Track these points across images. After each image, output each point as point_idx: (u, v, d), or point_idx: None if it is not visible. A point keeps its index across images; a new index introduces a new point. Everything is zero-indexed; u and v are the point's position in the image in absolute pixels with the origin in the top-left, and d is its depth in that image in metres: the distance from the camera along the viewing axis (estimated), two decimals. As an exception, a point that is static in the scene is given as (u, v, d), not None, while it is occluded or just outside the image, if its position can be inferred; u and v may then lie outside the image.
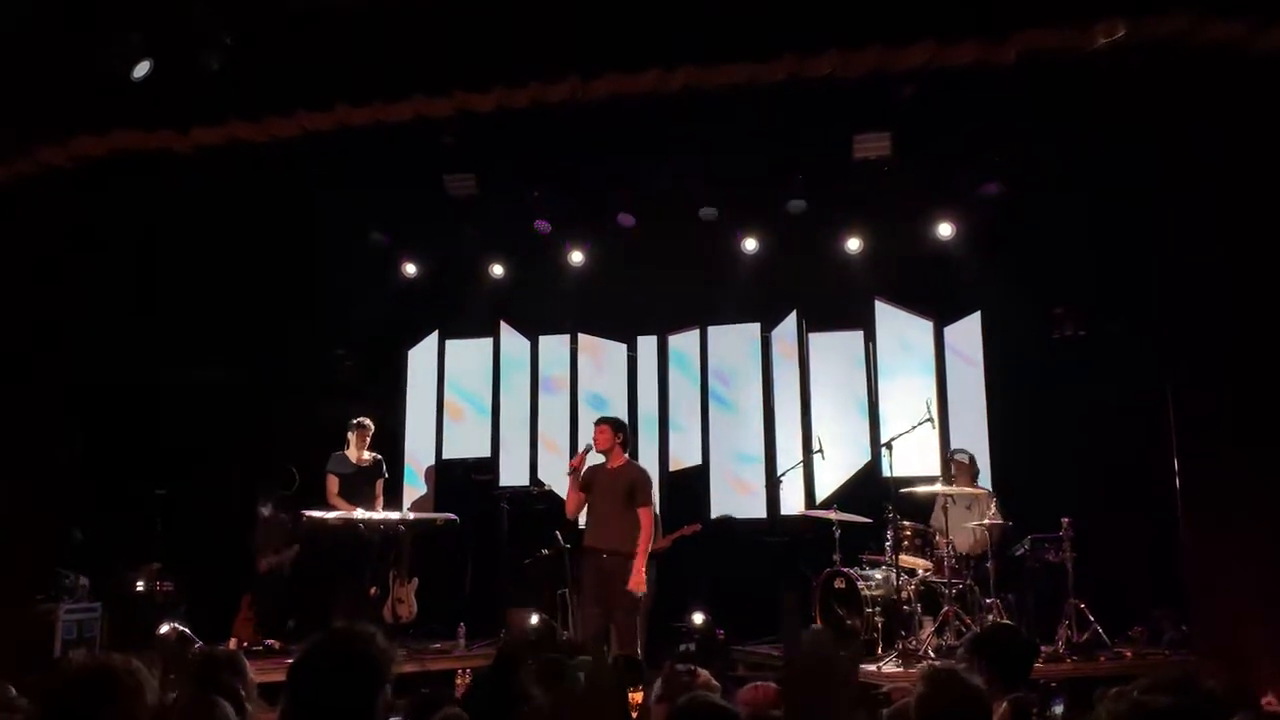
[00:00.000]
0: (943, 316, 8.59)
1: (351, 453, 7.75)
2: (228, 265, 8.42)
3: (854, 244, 8.49)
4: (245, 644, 7.40)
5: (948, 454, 7.91)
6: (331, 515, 7.39)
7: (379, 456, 7.93)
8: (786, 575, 7.55)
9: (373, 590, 7.54)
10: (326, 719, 2.20)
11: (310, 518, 7.33)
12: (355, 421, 7.81)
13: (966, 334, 8.53)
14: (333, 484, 7.64)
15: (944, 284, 8.46)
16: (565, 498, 6.40)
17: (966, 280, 8.29)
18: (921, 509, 7.47)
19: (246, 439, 8.65)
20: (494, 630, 7.85)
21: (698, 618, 7.59)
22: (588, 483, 6.17)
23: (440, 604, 8.21)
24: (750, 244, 8.61)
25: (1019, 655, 3.31)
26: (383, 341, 9.44)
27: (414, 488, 9.37)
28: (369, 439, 7.81)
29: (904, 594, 6.87)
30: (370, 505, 7.67)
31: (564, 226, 8.84)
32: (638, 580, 5.91)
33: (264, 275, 8.66)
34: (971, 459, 7.59)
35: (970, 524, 7.14)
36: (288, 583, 8.11)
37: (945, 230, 8.27)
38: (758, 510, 8.62)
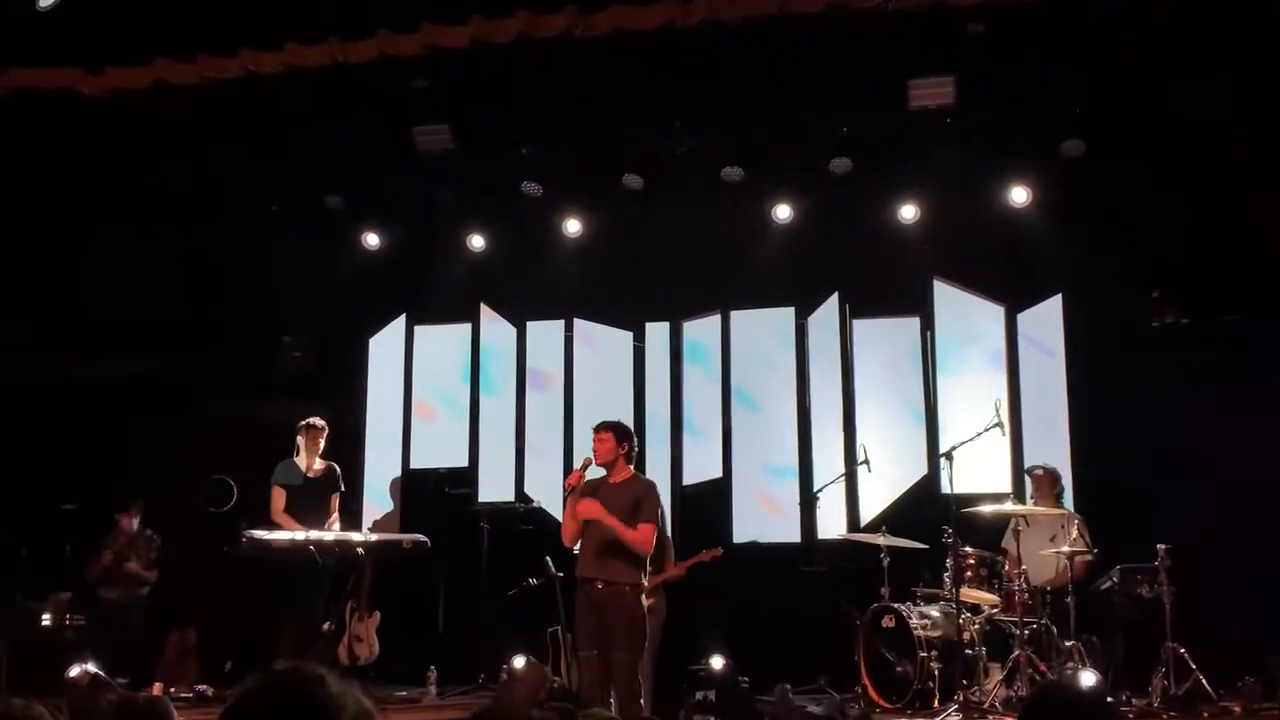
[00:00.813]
0: (1016, 300, 8.57)
1: (301, 461, 7.76)
2: (149, 236, 8.39)
3: (909, 212, 8.46)
4: (172, 690, 7.40)
5: (1022, 467, 7.88)
6: (277, 536, 7.37)
7: (334, 465, 7.93)
8: (824, 612, 7.55)
9: (326, 626, 7.48)
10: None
11: (251, 539, 7.30)
12: (305, 423, 7.80)
13: (1045, 321, 8.49)
14: (278, 498, 7.65)
15: (1018, 261, 8.42)
16: (561, 521, 6.35)
17: (1045, 256, 8.24)
18: (988, 533, 7.44)
19: (174, 445, 8.65)
20: (470, 675, 7.85)
21: (717, 662, 7.54)
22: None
23: (407, 643, 8.21)
24: (783, 211, 8.58)
25: None
26: (339, 328, 9.44)
27: (376, 503, 9.38)
28: (322, 444, 7.81)
29: (966, 635, 6.85)
30: (323, 524, 7.66)
31: (558, 189, 8.79)
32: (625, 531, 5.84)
33: (194, 248, 8.61)
34: (1051, 474, 7.57)
35: (1048, 551, 7.11)
36: (139, 618, 8.11)
37: (1019, 196, 8.23)
38: (790, 533, 8.62)
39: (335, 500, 7.88)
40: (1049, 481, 7.53)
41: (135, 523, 8.29)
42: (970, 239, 8.50)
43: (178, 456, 8.70)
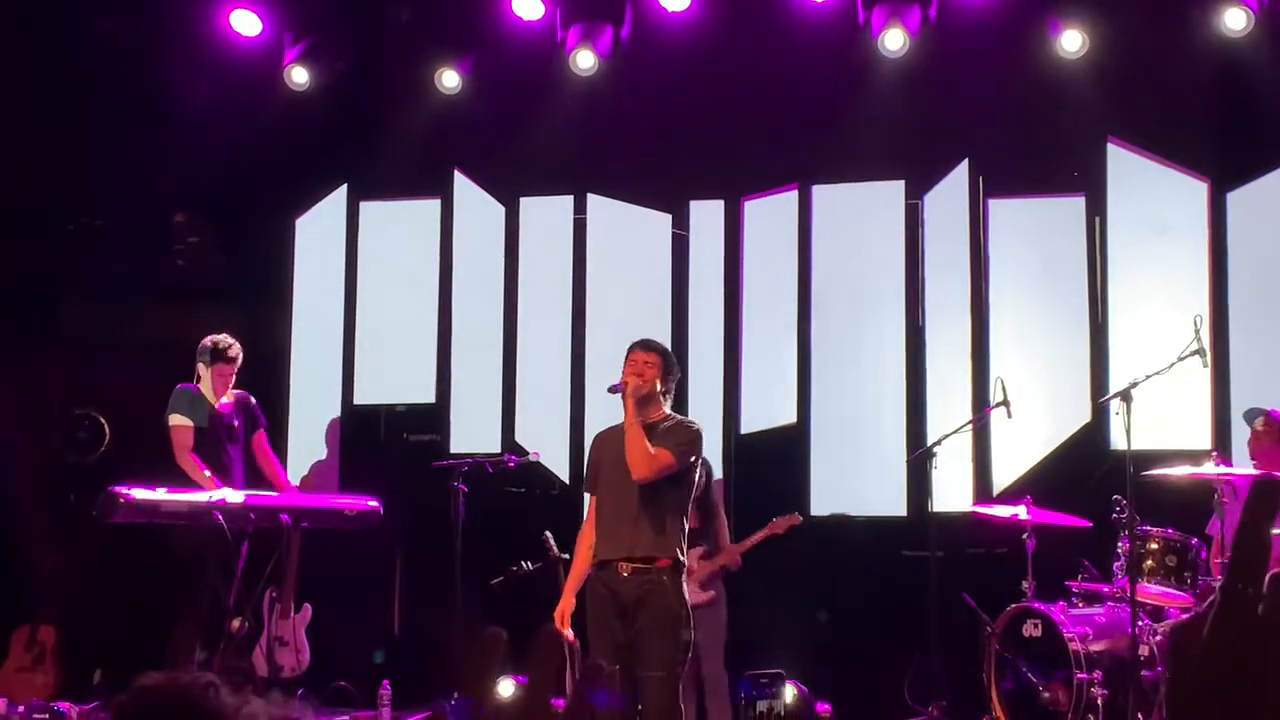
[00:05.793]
0: (1227, 172, 8.53)
1: (206, 388, 7.82)
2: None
3: (1073, 42, 8.46)
4: (20, 708, 7.54)
5: (1228, 410, 7.93)
6: (166, 495, 7.10)
7: (247, 395, 7.99)
8: (940, 614, 7.56)
9: (235, 624, 7.48)
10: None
11: (130, 500, 7.04)
12: (210, 343, 7.84)
13: (1268, 202, 8.46)
14: (184, 434, 7.68)
15: (1230, 116, 8.41)
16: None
17: (1272, 110, 8.23)
18: (1181, 506, 7.47)
19: (18, 369, 8.72)
20: (438, 694, 7.90)
21: (788, 694, 7.64)
22: (598, 456, 6.22)
23: (350, 648, 8.34)
24: (894, 39, 8.54)
25: None
26: (253, 204, 9.53)
27: (305, 453, 9.50)
28: (235, 369, 7.89)
29: (1144, 650, 6.87)
30: (238, 474, 7.78)
31: (565, 3, 8.79)
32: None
33: (33, 83, 8.67)
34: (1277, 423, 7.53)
35: (1273, 532, 6.96)
36: None
37: (1236, 20, 8.17)
38: (893, 504, 8.69)
39: (262, 441, 8.04)
40: (1275, 434, 7.43)
41: None
42: (1162, 83, 8.49)
43: (25, 385, 8.75)
